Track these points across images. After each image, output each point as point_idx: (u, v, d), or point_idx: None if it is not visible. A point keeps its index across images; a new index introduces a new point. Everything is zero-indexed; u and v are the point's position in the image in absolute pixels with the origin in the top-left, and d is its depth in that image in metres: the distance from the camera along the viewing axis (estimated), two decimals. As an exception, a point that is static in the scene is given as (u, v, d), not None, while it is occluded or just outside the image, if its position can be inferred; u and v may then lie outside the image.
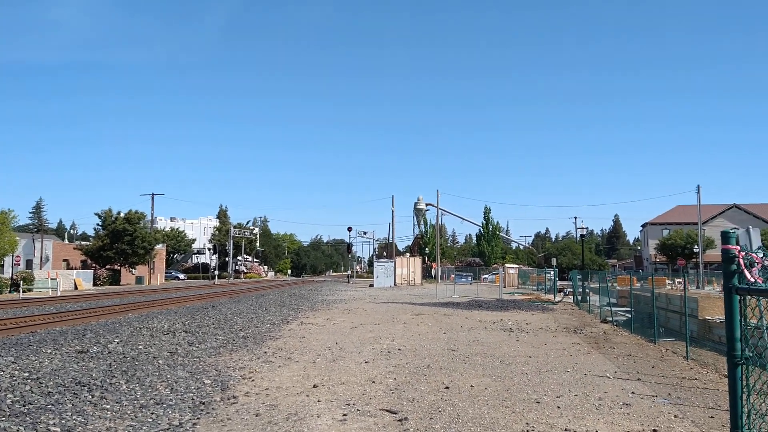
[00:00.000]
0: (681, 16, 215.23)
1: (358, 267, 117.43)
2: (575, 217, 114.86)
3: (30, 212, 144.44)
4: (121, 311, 21.82)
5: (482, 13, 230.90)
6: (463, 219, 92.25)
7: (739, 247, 3.55)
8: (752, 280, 3.47)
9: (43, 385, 8.14)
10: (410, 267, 56.63)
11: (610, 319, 18.28)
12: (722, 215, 77.88)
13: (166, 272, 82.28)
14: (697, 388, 8.37)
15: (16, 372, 9.04)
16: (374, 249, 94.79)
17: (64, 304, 26.53)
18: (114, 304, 25.98)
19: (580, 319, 19.53)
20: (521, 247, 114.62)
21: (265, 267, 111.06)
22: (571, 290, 31.38)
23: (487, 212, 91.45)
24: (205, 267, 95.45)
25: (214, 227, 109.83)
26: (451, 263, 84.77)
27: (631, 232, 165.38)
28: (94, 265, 60.74)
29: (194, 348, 12.10)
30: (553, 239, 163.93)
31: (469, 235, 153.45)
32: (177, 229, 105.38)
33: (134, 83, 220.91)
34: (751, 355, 3.54)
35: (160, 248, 75.74)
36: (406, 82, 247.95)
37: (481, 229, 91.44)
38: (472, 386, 8.38)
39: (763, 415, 3.66)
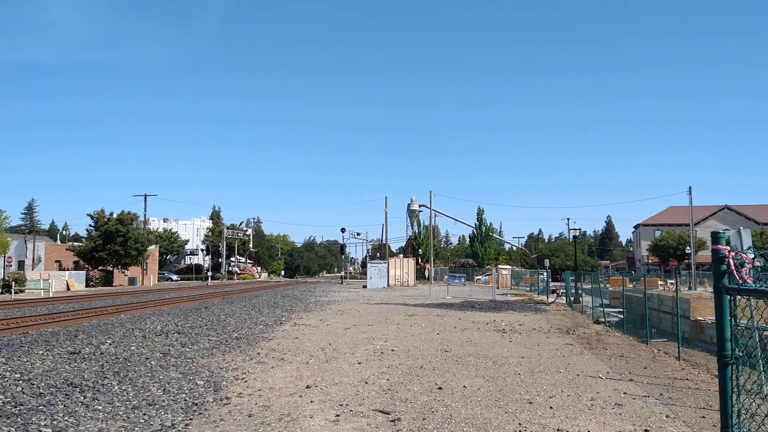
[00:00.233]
0: (675, 17, 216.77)
1: (351, 268, 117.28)
2: (568, 219, 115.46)
3: (22, 213, 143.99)
4: (114, 312, 21.72)
5: (481, 13, 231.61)
6: (457, 220, 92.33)
7: (729, 248, 3.57)
8: (742, 280, 3.50)
9: (35, 387, 8.10)
10: (403, 268, 56.61)
11: (603, 319, 18.35)
12: (714, 216, 78.36)
13: (159, 273, 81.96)
14: (689, 389, 8.41)
15: (8, 373, 8.99)
16: (368, 250, 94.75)
17: (56, 305, 26.38)
18: (106, 305, 25.86)
19: (572, 320, 19.59)
20: (514, 248, 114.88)
21: (259, 268, 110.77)
22: (564, 291, 31.45)
23: (480, 213, 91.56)
24: (198, 268, 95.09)
25: (207, 228, 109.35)
26: (445, 264, 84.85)
27: (624, 233, 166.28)
28: (86, 266, 60.45)
29: (187, 349, 12.06)
30: (546, 240, 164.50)
31: (463, 236, 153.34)
32: (170, 230, 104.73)
33: (128, 84, 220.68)
34: (741, 354, 3.57)
35: (153, 249, 75.46)
36: (401, 83, 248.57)
37: (475, 230, 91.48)
38: (464, 387, 8.40)
39: (753, 414, 3.69)
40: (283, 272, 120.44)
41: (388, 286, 52.78)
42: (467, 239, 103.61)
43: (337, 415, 6.76)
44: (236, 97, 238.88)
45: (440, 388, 8.27)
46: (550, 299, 31.13)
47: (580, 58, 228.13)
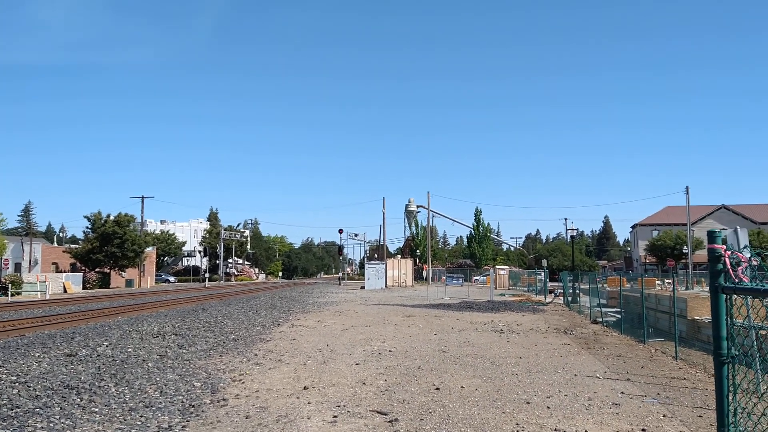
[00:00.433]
0: (674, 19, 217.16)
1: (349, 269, 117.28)
2: (565, 219, 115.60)
3: (19, 215, 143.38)
4: (111, 314, 21.67)
5: (481, 13, 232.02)
6: (454, 221, 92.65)
7: (725, 247, 3.57)
8: (738, 279, 3.50)
9: (31, 389, 8.08)
10: (401, 269, 56.63)
11: (600, 319, 18.36)
12: (711, 216, 78.53)
13: (156, 275, 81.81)
14: (686, 388, 8.42)
15: (4, 376, 8.97)
16: (365, 251, 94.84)
17: (53, 308, 26.32)
18: (103, 307, 25.81)
19: (570, 320, 19.61)
20: (512, 248, 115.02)
21: (256, 269, 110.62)
22: (562, 291, 31.48)
23: (477, 214, 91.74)
24: (195, 270, 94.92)
25: (205, 230, 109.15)
26: (442, 265, 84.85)
27: (621, 233, 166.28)
28: (83, 268, 60.31)
29: (184, 351, 12.04)
30: (544, 240, 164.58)
31: (460, 236, 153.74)
32: (167, 231, 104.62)
33: (124, 85, 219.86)
34: (737, 353, 3.57)
35: (150, 251, 75.30)
36: (398, 84, 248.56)
37: (472, 231, 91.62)
38: (462, 387, 8.40)
39: (749, 413, 3.69)
40: (280, 274, 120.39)
41: (386, 287, 52.77)
42: (465, 240, 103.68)
43: (335, 416, 6.75)
44: (232, 98, 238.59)
45: (438, 389, 8.26)
46: (548, 299, 31.15)
47: (579, 58, 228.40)
